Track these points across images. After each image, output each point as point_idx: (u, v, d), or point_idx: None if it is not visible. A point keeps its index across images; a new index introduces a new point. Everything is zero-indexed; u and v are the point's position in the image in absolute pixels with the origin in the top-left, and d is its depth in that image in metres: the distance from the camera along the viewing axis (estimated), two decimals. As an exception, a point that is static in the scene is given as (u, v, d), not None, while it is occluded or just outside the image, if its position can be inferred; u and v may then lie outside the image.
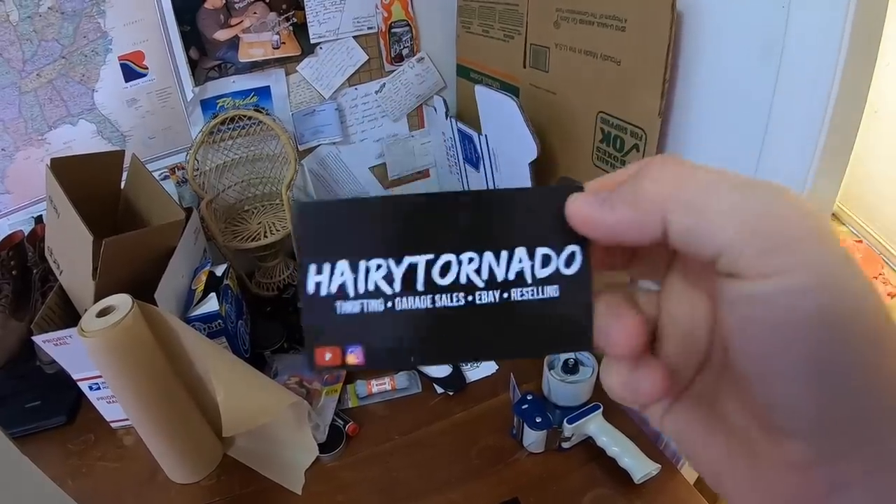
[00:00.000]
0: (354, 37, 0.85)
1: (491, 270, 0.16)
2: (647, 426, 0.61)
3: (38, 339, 0.56)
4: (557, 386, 0.60)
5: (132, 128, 0.80)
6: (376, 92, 0.91)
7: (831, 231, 0.12)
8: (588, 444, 0.58)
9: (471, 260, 0.16)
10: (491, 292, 0.16)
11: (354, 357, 0.16)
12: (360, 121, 0.92)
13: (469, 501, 0.56)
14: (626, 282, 0.19)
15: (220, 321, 0.62)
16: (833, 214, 1.49)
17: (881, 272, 1.26)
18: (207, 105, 0.82)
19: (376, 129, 0.94)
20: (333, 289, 0.16)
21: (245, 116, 0.79)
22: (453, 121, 0.85)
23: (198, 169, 0.79)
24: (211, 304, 0.62)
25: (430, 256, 0.16)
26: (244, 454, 0.61)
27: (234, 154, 0.83)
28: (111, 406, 0.63)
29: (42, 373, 0.71)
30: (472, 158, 0.83)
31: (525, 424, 0.58)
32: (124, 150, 0.74)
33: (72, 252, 0.62)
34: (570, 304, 0.16)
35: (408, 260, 0.16)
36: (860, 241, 1.32)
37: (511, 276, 0.16)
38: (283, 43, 0.82)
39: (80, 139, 0.78)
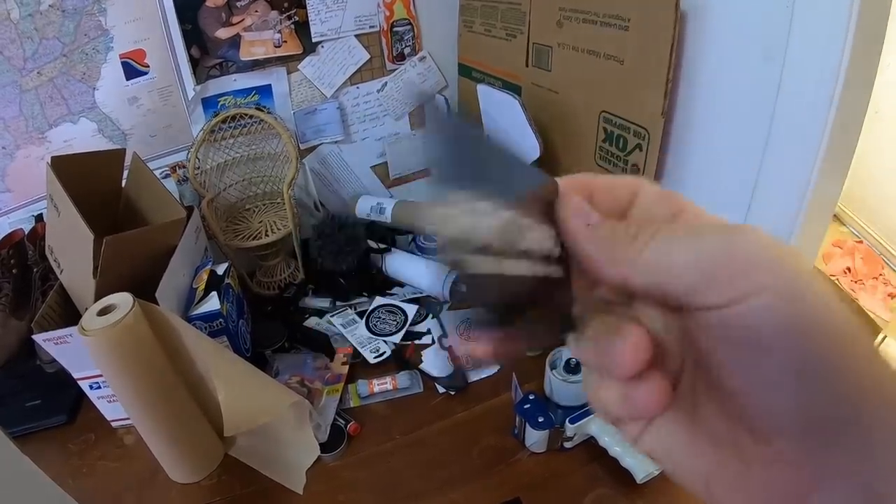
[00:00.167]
0: (356, 35, 0.85)
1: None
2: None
3: (38, 337, 0.56)
4: (559, 386, 0.60)
5: (133, 126, 0.80)
6: (378, 91, 0.90)
7: (792, 254, 0.14)
8: (590, 443, 0.58)
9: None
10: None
11: None
12: (361, 119, 0.92)
13: (471, 501, 0.55)
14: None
15: (221, 320, 0.62)
16: (834, 215, 1.49)
17: (881, 273, 1.26)
18: (209, 103, 0.82)
19: (378, 127, 0.94)
20: None
21: (246, 115, 0.79)
22: (455, 120, 0.85)
23: (199, 167, 0.79)
24: (212, 302, 0.62)
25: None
26: (245, 454, 0.61)
27: (236, 153, 0.83)
28: (112, 405, 0.63)
29: (42, 372, 0.71)
30: (474, 158, 0.83)
31: (527, 424, 0.57)
32: (125, 149, 0.74)
33: (72, 250, 0.62)
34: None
35: None
36: (861, 242, 1.32)
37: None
38: (285, 41, 0.82)
39: (81, 137, 0.78)
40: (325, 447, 0.59)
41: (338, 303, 0.81)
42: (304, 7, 0.81)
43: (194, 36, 0.78)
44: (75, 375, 0.60)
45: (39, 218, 0.80)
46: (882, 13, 0.42)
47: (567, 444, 0.58)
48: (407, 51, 0.89)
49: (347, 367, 0.70)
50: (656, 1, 0.53)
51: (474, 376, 0.69)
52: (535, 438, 0.58)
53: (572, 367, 0.60)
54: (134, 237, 0.60)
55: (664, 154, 0.59)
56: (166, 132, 0.82)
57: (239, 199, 0.86)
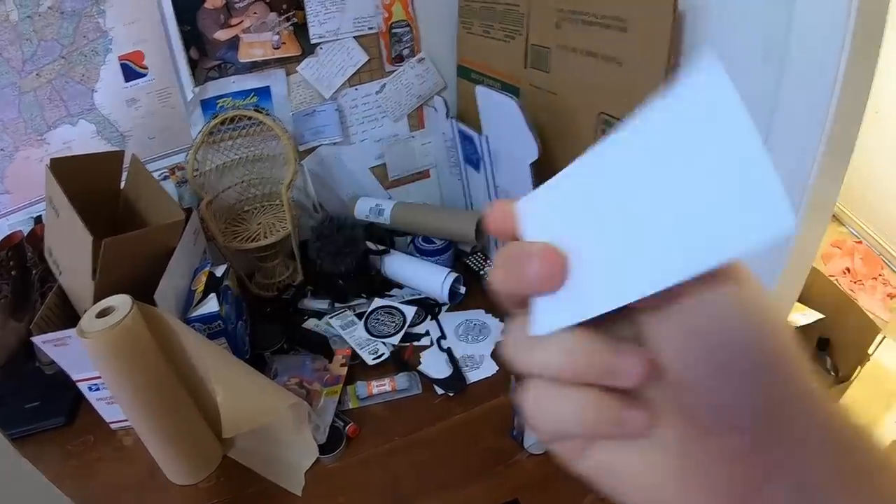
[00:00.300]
0: (355, 37, 0.85)
1: None
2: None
3: (37, 339, 0.56)
4: (558, 387, 0.60)
5: (132, 128, 0.80)
6: (377, 92, 0.90)
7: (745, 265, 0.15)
8: (589, 445, 0.58)
9: None
10: None
11: None
12: (360, 121, 0.92)
13: (469, 502, 0.55)
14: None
15: (219, 322, 0.62)
16: (833, 215, 1.49)
17: (881, 273, 1.26)
18: (207, 105, 0.82)
19: (376, 129, 0.94)
20: None
21: (245, 117, 0.79)
22: (454, 121, 0.85)
23: (198, 169, 0.79)
24: (211, 304, 0.62)
25: None
26: (244, 455, 0.61)
27: (234, 154, 0.83)
28: (110, 407, 0.63)
29: (41, 373, 0.71)
30: (473, 159, 0.83)
31: (526, 425, 0.57)
32: (124, 151, 0.74)
33: (71, 252, 0.62)
34: None
35: None
36: (860, 243, 1.32)
37: None
38: (284, 43, 0.82)
39: (80, 139, 0.78)
40: (323, 449, 0.59)
41: (336, 304, 0.81)
42: (303, 9, 0.81)
43: (193, 38, 0.78)
44: (74, 377, 0.60)
45: (39, 220, 0.80)
46: (881, 12, 0.42)
47: (566, 446, 0.58)
48: (406, 52, 0.89)
49: (346, 368, 0.70)
50: (654, 1, 0.53)
51: (473, 377, 0.69)
52: (534, 440, 0.58)
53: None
54: (133, 239, 0.60)
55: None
56: (165, 134, 0.82)
57: (238, 200, 0.86)
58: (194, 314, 0.62)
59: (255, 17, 0.79)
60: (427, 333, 0.76)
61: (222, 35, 0.79)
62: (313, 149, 0.91)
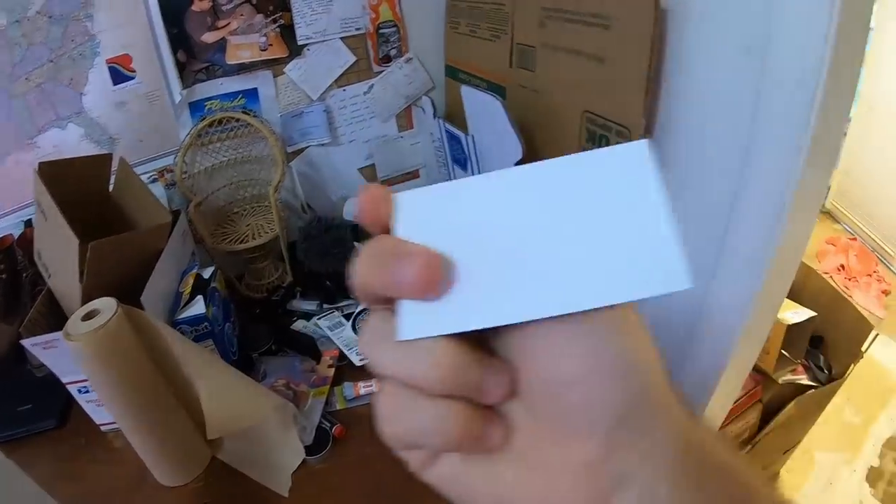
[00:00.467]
0: (342, 38, 0.85)
1: None
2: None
3: (26, 342, 0.56)
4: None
5: (120, 131, 0.80)
6: (364, 93, 0.91)
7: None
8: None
9: None
10: None
11: None
12: (348, 122, 0.92)
13: None
14: None
15: (206, 324, 0.62)
16: (827, 212, 1.49)
17: (875, 270, 1.26)
18: (195, 107, 0.82)
19: (365, 130, 0.94)
20: None
21: (233, 119, 0.79)
22: (441, 122, 0.85)
23: (186, 172, 0.79)
24: (197, 306, 0.62)
25: None
26: (231, 456, 0.61)
27: (223, 156, 0.83)
28: (100, 409, 0.64)
29: (32, 376, 0.72)
30: (461, 159, 0.83)
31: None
32: (112, 154, 0.74)
33: (59, 255, 0.62)
34: None
35: None
36: (854, 239, 1.31)
37: None
38: (271, 45, 0.82)
39: (69, 142, 0.78)
40: (310, 450, 0.60)
41: (325, 305, 0.81)
42: (290, 10, 0.81)
43: (180, 40, 0.78)
44: (64, 380, 0.61)
45: (29, 223, 0.80)
46: (866, 3, 0.42)
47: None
48: (393, 53, 0.89)
49: (333, 369, 0.70)
50: None
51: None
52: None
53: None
54: (119, 242, 0.60)
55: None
56: (154, 137, 0.82)
57: (227, 202, 0.86)
58: (181, 316, 0.62)
59: (242, 19, 0.79)
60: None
61: (209, 37, 0.79)
62: (302, 150, 0.91)
